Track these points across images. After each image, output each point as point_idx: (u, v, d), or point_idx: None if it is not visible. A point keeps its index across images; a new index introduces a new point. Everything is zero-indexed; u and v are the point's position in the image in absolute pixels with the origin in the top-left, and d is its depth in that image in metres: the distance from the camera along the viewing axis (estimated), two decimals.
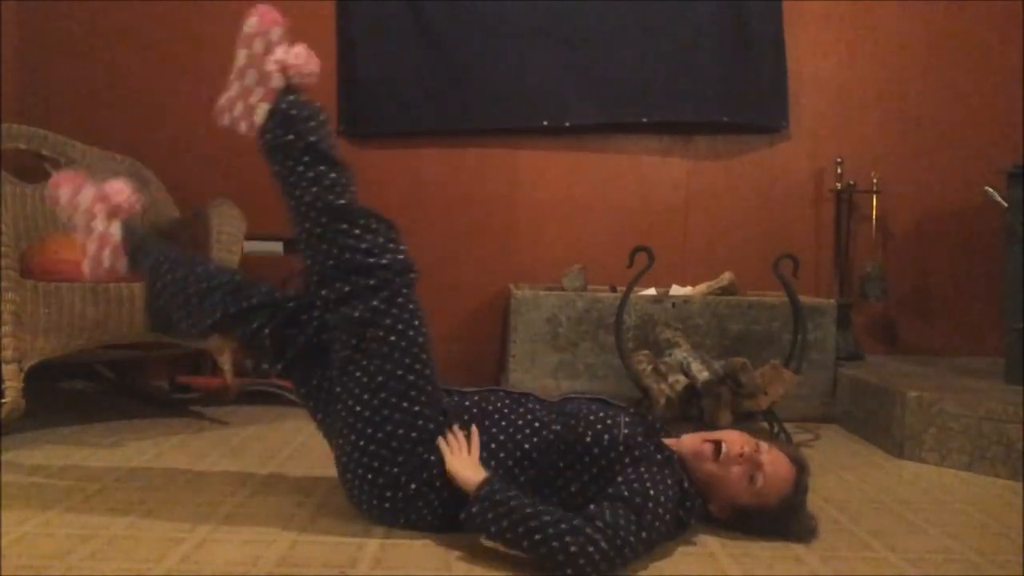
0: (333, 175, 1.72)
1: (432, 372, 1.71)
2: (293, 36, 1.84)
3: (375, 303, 1.67)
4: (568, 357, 2.92)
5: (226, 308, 1.83)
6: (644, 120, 3.36)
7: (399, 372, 1.66)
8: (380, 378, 1.65)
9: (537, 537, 1.48)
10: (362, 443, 1.65)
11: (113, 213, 1.97)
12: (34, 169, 2.98)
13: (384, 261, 1.68)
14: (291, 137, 1.73)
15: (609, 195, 3.43)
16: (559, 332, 2.92)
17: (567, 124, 3.36)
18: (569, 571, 1.46)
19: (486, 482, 1.58)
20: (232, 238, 2.74)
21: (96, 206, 1.95)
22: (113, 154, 3.10)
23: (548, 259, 3.38)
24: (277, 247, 3.09)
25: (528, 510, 1.51)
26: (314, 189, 1.71)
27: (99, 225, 1.95)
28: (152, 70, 3.37)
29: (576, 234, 3.42)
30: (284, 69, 1.76)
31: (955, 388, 2.56)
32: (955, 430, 2.39)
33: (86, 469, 2.11)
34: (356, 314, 1.67)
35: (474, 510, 1.55)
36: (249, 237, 2.85)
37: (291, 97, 1.76)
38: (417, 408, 1.66)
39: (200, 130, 3.27)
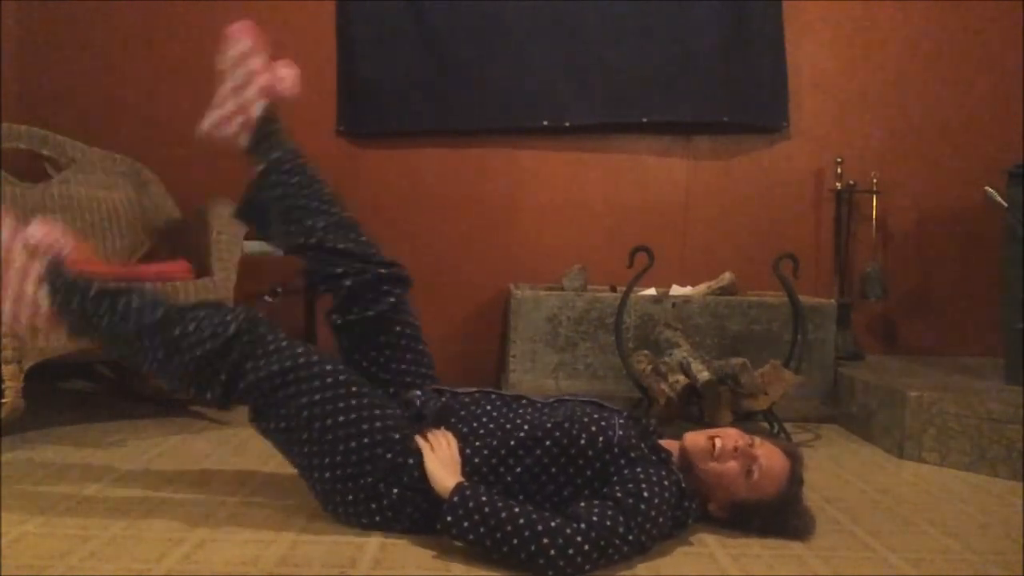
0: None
1: (347, 376, 1.70)
2: (287, 39, 1.92)
3: (250, 364, 1.68)
4: (568, 357, 2.92)
5: (324, 236, 1.85)
6: (644, 120, 3.35)
7: (316, 398, 1.65)
8: (304, 413, 1.65)
9: (514, 540, 1.47)
10: (327, 474, 1.66)
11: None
12: (34, 169, 2.98)
13: (230, 333, 1.70)
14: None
15: (609, 195, 3.43)
16: (559, 332, 2.92)
17: (567, 124, 3.36)
18: (550, 572, 1.46)
19: (458, 487, 1.55)
20: (232, 238, 2.74)
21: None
22: (113, 154, 3.10)
23: (548, 259, 3.38)
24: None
25: (503, 513, 1.50)
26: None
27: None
28: (152, 70, 3.37)
29: (576, 234, 3.42)
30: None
31: (955, 388, 2.56)
32: (955, 430, 2.39)
33: (86, 469, 2.11)
34: (222, 379, 1.69)
35: (448, 517, 1.53)
36: (249, 237, 2.85)
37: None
38: (354, 416, 1.65)
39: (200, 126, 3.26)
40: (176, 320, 1.71)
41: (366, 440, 1.64)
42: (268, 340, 1.70)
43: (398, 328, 1.88)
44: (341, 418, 1.64)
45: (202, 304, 1.76)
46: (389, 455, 1.64)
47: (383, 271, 1.87)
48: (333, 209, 1.90)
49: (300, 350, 1.70)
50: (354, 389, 1.68)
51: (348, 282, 1.84)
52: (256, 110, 1.88)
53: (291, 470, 2.13)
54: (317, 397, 1.65)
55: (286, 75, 1.90)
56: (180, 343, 1.69)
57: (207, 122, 1.91)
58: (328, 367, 1.69)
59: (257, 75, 1.88)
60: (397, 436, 1.66)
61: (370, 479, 1.64)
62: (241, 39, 1.87)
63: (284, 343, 1.71)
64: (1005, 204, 2.61)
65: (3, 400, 2.23)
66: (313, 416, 1.65)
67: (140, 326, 1.72)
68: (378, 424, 1.66)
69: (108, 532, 1.65)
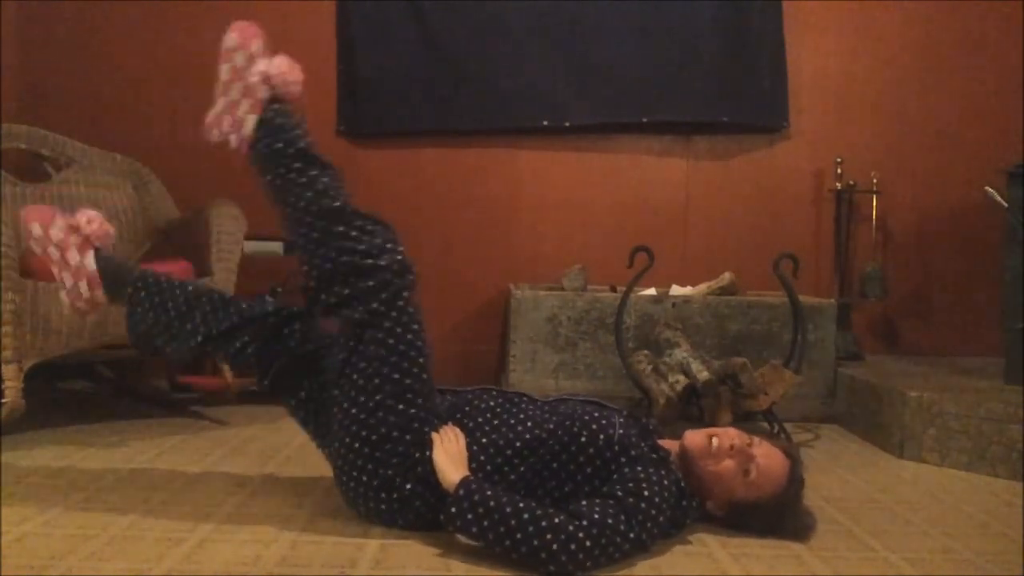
0: (325, 179, 1.74)
1: (429, 375, 1.71)
2: (287, 39, 1.87)
3: (374, 305, 1.67)
4: (568, 357, 2.92)
5: (208, 330, 1.83)
6: (644, 120, 3.36)
7: (396, 375, 1.65)
8: (376, 380, 1.65)
9: (518, 536, 1.48)
10: (356, 444, 1.65)
11: (85, 244, 1.91)
12: (34, 169, 2.98)
13: (382, 263, 1.68)
14: (280, 145, 1.75)
15: (609, 195, 3.43)
16: (559, 332, 2.92)
17: (567, 124, 3.36)
18: (552, 568, 1.46)
19: (464, 481, 1.56)
20: (232, 238, 2.74)
21: (68, 238, 1.90)
22: (113, 154, 3.10)
23: (548, 259, 3.38)
24: (277, 247, 3.10)
25: (507, 509, 1.50)
26: (308, 194, 1.72)
27: (73, 257, 1.89)
28: (152, 70, 3.37)
29: (576, 234, 3.42)
30: (267, 80, 1.78)
31: (955, 388, 2.56)
32: (955, 430, 2.39)
33: (86, 469, 2.11)
34: (356, 316, 1.67)
35: (453, 510, 1.54)
36: (249, 237, 2.85)
37: (276, 106, 1.79)
38: (412, 411, 1.66)
39: (200, 130, 3.26)
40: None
41: (408, 437, 1.64)
42: (403, 296, 1.70)
43: (317, 353, 1.84)
44: (401, 406, 1.65)
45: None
46: (418, 455, 1.64)
47: (272, 319, 1.85)
48: (202, 299, 1.88)
49: (417, 325, 1.71)
50: (426, 391, 1.69)
51: (251, 349, 1.83)
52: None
53: (291, 470, 2.13)
54: (396, 375, 1.65)
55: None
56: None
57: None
58: (422, 359, 1.69)
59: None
60: (426, 429, 1.66)
61: (390, 471, 1.64)
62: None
63: (411, 306, 1.71)
64: (1005, 204, 2.60)
65: (3, 400, 2.23)
66: (382, 389, 1.64)
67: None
68: (426, 428, 1.66)
69: (108, 532, 1.65)
